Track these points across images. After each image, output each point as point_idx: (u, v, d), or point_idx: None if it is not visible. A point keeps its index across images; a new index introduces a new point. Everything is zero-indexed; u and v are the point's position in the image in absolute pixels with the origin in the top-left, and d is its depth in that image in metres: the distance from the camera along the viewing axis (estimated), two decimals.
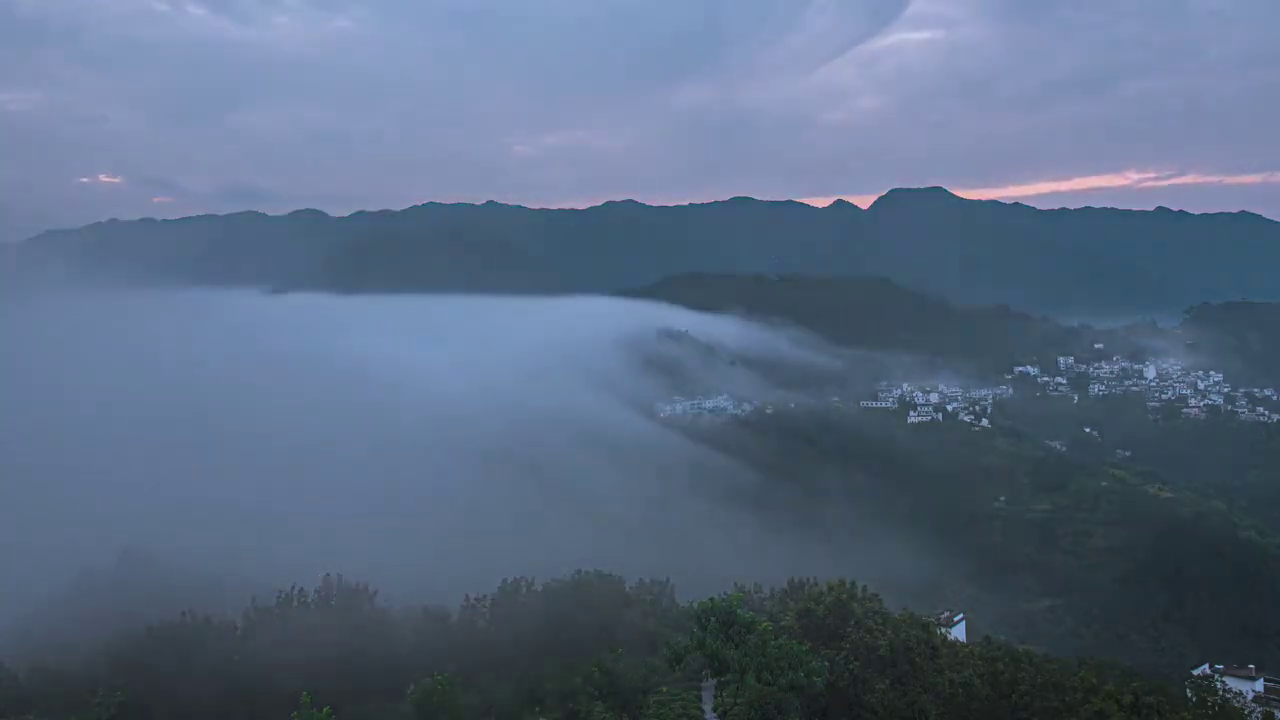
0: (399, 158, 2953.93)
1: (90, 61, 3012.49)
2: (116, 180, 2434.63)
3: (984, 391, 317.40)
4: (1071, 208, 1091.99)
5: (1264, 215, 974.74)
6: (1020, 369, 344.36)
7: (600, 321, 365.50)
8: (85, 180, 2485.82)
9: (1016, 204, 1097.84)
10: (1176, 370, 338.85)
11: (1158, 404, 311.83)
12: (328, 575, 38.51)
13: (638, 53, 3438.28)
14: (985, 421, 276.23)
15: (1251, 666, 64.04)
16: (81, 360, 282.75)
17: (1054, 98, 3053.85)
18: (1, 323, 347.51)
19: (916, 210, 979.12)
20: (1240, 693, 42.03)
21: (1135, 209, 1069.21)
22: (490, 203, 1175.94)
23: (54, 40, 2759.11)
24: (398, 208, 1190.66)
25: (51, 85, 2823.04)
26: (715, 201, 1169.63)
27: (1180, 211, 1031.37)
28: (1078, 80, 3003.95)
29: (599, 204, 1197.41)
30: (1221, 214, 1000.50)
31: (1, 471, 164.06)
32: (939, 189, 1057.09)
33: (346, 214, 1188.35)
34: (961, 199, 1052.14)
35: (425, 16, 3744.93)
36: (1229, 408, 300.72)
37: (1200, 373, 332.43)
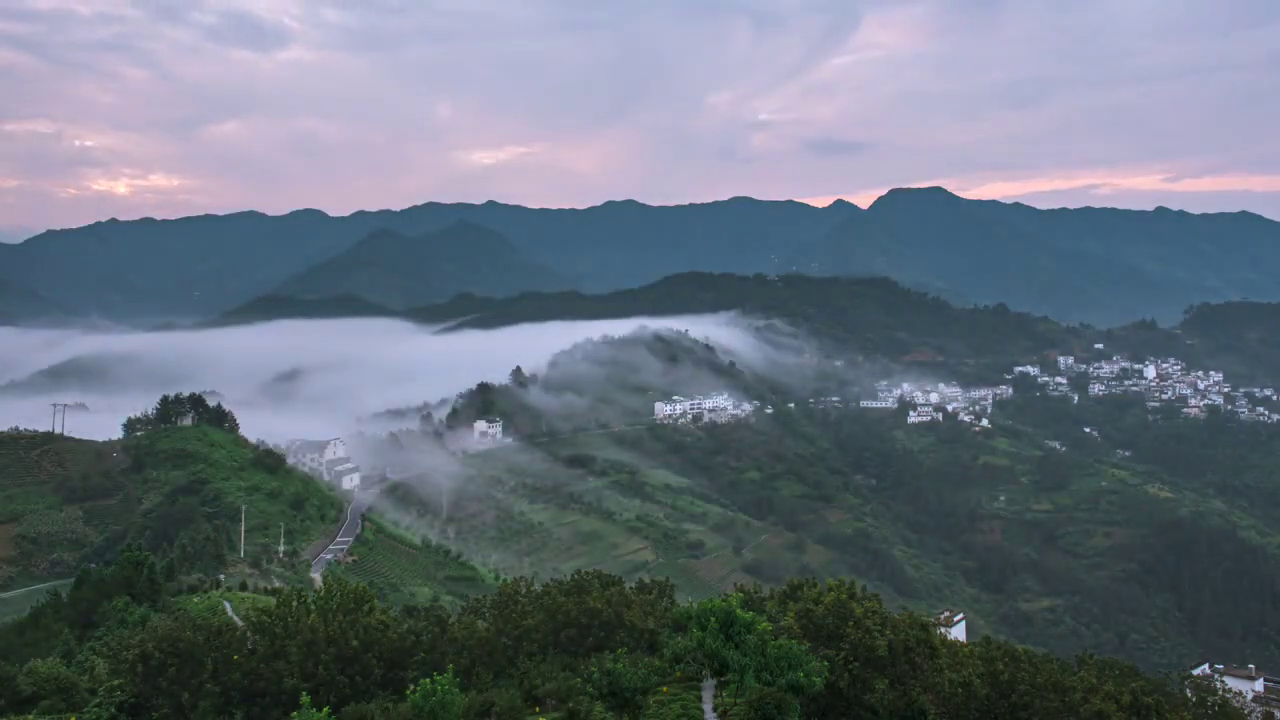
0: (400, 159, 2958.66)
1: (95, 71, 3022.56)
2: (117, 182, 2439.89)
3: (984, 391, 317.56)
4: (1071, 207, 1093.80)
5: (1264, 215, 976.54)
6: (1020, 369, 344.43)
7: (599, 324, 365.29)
8: (86, 182, 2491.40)
9: (1016, 204, 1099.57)
10: (1176, 370, 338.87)
11: (1158, 404, 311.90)
12: (327, 575, 38.73)
13: (638, 63, 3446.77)
14: (985, 421, 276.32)
15: (1251, 666, 64.10)
16: None
17: (1052, 97, 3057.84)
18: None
19: (916, 210, 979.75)
20: (1240, 693, 42.06)
21: (1135, 209, 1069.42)
22: (490, 202, 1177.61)
23: (59, 47, 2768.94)
24: (398, 208, 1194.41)
25: (57, 97, 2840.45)
26: (715, 201, 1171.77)
27: (1180, 211, 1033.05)
28: (1077, 81, 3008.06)
29: (599, 204, 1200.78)
30: (1221, 214, 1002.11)
31: None
32: (939, 189, 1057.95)
33: (346, 214, 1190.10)
34: (961, 199, 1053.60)
35: (440, 33, 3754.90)
36: (1229, 408, 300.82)
37: (1200, 373, 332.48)
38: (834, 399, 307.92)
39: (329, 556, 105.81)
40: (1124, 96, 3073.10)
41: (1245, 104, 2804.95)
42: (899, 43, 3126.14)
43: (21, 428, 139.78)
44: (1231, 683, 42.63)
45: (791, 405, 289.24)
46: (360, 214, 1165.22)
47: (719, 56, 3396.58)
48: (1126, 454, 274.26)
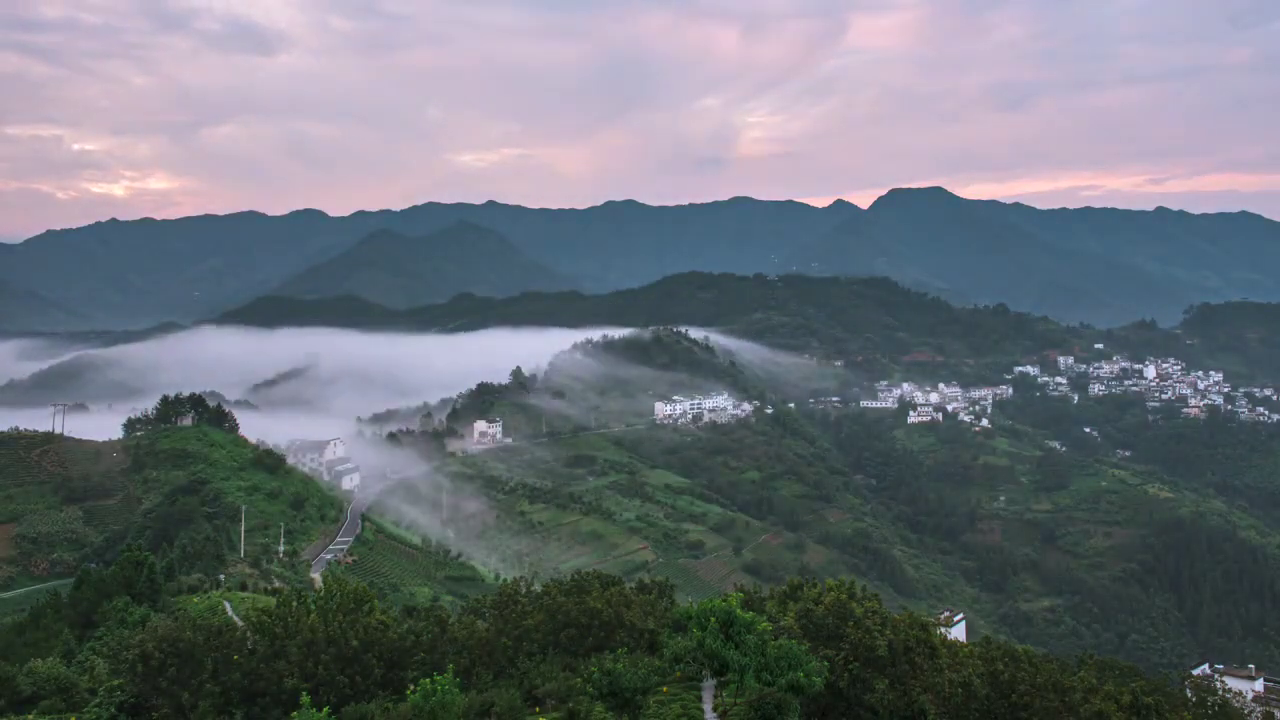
0: (400, 160, 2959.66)
1: (97, 75, 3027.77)
2: (117, 184, 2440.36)
3: (984, 391, 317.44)
4: (1071, 207, 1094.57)
5: (1264, 215, 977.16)
6: (1020, 369, 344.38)
7: (599, 325, 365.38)
8: (86, 184, 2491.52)
9: (1016, 204, 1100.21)
10: (1176, 370, 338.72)
11: (1158, 404, 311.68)
12: (327, 575, 38.78)
13: (635, 65, 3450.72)
14: (985, 421, 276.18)
15: (1251, 666, 64.13)
16: None
17: (1038, 100, 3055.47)
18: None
19: (916, 210, 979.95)
20: (1240, 693, 42.04)
21: (1135, 209, 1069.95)
22: (490, 202, 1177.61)
23: (63, 53, 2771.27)
24: (397, 208, 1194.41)
25: (59, 102, 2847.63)
26: (715, 201, 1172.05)
27: (1180, 211, 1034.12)
28: (1074, 81, 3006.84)
29: (599, 204, 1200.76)
30: (1221, 214, 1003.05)
31: None
32: (939, 189, 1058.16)
33: (346, 214, 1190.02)
34: (961, 199, 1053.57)
35: (439, 38, 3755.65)
36: (1229, 408, 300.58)
37: (1200, 373, 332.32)
38: (834, 399, 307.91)
39: (329, 556, 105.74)
40: (1110, 99, 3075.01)
41: (1234, 105, 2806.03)
42: (888, 45, 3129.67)
43: (22, 428, 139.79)
44: (1231, 683, 42.65)
45: (791, 405, 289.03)
46: (360, 214, 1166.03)
47: (712, 60, 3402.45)
48: (1126, 454, 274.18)
